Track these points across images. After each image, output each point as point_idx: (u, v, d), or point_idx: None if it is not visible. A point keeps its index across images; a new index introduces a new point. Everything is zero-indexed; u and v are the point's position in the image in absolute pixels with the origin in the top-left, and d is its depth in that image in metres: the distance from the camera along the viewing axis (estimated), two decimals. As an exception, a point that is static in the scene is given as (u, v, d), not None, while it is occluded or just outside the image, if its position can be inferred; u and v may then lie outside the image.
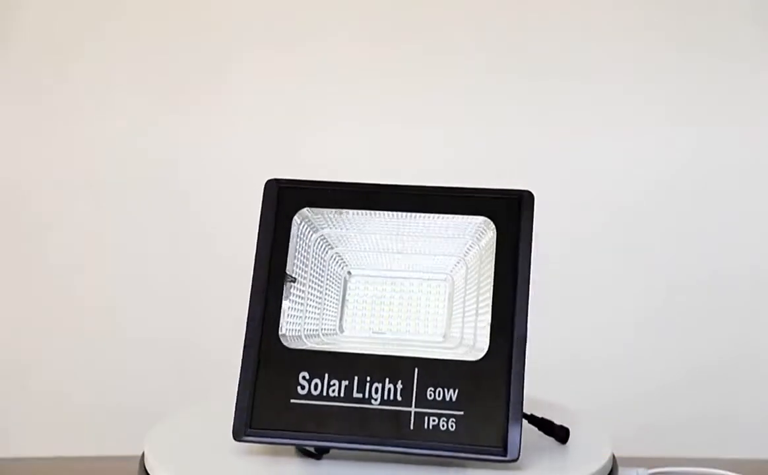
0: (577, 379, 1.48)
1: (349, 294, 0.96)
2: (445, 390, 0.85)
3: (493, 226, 0.89)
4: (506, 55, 1.47)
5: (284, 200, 0.93)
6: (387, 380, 0.86)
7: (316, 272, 0.95)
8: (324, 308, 0.96)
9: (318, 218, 0.94)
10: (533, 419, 0.94)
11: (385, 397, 0.86)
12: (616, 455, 0.93)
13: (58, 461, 1.39)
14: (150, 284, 1.49)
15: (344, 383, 0.87)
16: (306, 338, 0.93)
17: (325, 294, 0.96)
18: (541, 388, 1.47)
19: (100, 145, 1.48)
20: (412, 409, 0.85)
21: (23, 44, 1.47)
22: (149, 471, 0.89)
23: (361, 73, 1.48)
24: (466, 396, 0.84)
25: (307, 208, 0.93)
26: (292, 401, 0.87)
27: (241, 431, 0.87)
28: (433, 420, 0.84)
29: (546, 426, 0.93)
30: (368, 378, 0.87)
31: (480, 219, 0.89)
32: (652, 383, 1.48)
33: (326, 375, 0.87)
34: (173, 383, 1.47)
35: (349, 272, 0.96)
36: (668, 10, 1.47)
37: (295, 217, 0.93)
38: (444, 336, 0.93)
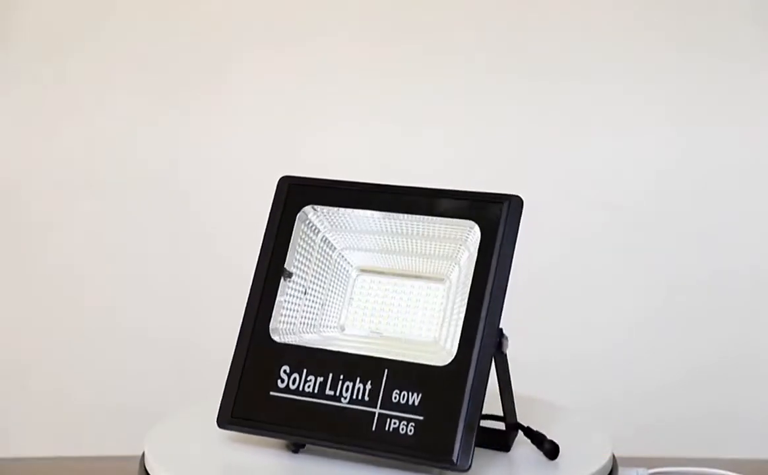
0: (577, 379, 1.48)
1: (354, 293, 0.96)
2: (409, 394, 0.84)
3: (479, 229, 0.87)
4: (506, 55, 1.47)
5: (292, 197, 0.94)
6: (358, 379, 0.86)
7: (321, 269, 0.95)
8: (326, 305, 0.96)
9: (327, 217, 0.94)
10: (529, 432, 0.92)
11: (354, 396, 0.86)
12: (616, 455, 0.93)
13: (58, 461, 1.39)
14: (150, 283, 1.49)
15: (319, 379, 0.87)
16: (302, 333, 0.94)
17: (329, 291, 0.96)
18: (542, 388, 1.47)
19: (100, 145, 1.48)
20: (377, 410, 0.85)
21: (23, 44, 1.47)
22: (149, 471, 0.89)
23: (361, 73, 1.48)
24: (428, 401, 0.83)
25: (318, 206, 0.93)
26: (271, 393, 0.88)
27: (224, 419, 0.90)
28: (394, 423, 0.84)
29: (537, 439, 0.91)
30: (341, 376, 0.87)
31: (469, 222, 0.88)
32: (652, 383, 1.48)
33: (305, 370, 0.88)
34: (173, 383, 1.47)
35: (356, 271, 0.96)
36: (668, 10, 1.47)
37: (302, 214, 0.93)
38: (435, 339, 0.92)
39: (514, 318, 1.48)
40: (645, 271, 1.48)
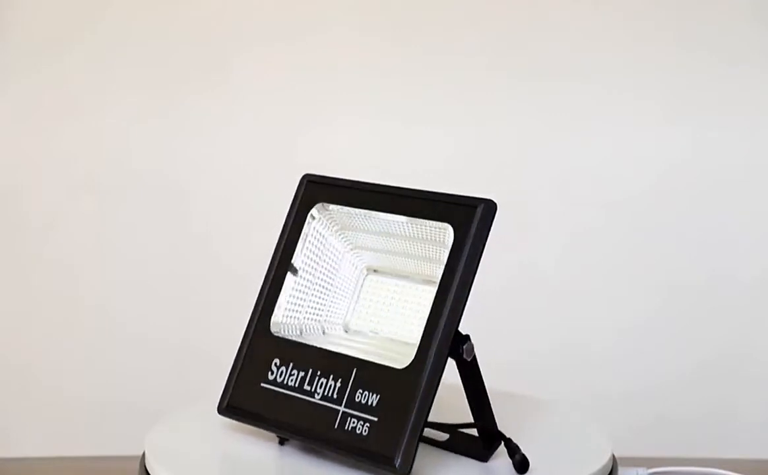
0: (577, 378, 1.48)
1: (362, 292, 0.96)
2: (370, 394, 0.84)
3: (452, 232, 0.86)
4: (506, 55, 1.47)
5: (307, 194, 0.95)
6: (331, 377, 0.87)
7: (330, 267, 0.95)
8: (334, 303, 0.96)
9: (337, 215, 0.95)
10: (508, 442, 0.89)
11: (325, 393, 0.87)
12: (616, 455, 0.93)
13: (58, 461, 1.39)
14: (150, 283, 1.49)
15: (301, 374, 0.89)
16: (304, 328, 0.94)
17: (337, 289, 0.96)
18: (541, 387, 1.47)
19: (100, 145, 1.48)
20: (341, 408, 0.85)
21: (21, 43, 1.47)
22: (149, 471, 0.89)
23: (361, 72, 1.48)
24: (384, 403, 0.83)
25: (329, 205, 0.94)
26: (261, 384, 0.90)
27: (221, 407, 0.92)
28: (353, 422, 0.84)
29: (510, 449, 0.88)
30: (318, 373, 0.88)
31: (445, 224, 0.87)
32: (652, 383, 1.48)
33: (291, 364, 0.90)
34: (173, 383, 1.47)
35: (364, 271, 0.96)
36: (668, 10, 1.47)
37: (314, 211, 0.94)
38: (417, 342, 0.92)
39: (514, 317, 1.49)
40: (645, 270, 1.48)
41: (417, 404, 0.81)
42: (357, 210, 0.93)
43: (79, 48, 1.47)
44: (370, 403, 0.84)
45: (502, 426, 0.93)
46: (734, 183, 1.48)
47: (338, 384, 0.86)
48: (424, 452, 0.88)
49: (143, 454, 0.91)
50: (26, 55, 1.47)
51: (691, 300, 1.48)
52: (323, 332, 0.95)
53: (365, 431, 0.83)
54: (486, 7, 1.47)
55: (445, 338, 0.83)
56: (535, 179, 1.48)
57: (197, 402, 1.03)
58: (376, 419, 0.83)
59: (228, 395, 0.92)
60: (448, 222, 0.86)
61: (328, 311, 0.96)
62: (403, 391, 0.82)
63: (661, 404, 1.49)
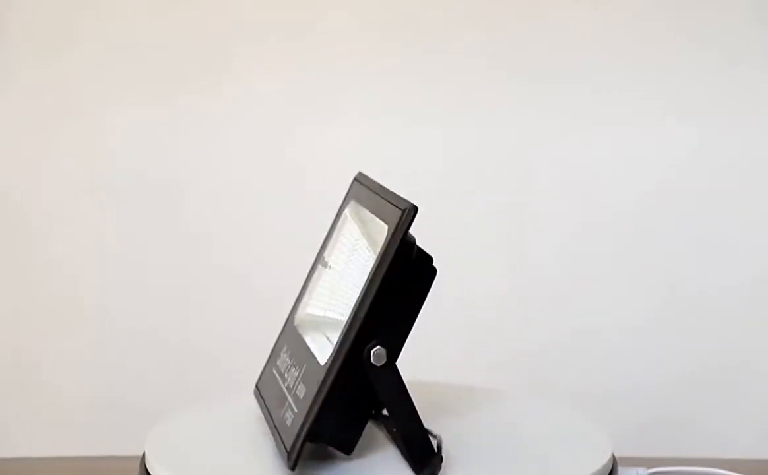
0: (576, 377, 1.48)
1: None
2: (301, 386, 0.85)
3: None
4: (506, 54, 1.47)
5: (350, 192, 0.97)
6: (298, 366, 0.89)
7: (356, 266, 0.95)
8: (351, 298, 0.96)
9: (365, 216, 0.94)
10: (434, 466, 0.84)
11: (289, 383, 0.89)
12: (616, 455, 0.93)
13: (58, 461, 1.39)
14: (150, 283, 1.49)
15: (289, 361, 0.91)
16: (324, 321, 0.95)
17: (357, 286, 0.96)
18: (541, 387, 1.47)
19: (100, 145, 1.48)
20: (289, 397, 0.87)
21: (22, 44, 1.47)
22: (149, 471, 0.89)
23: (360, 72, 1.48)
24: (304, 396, 0.84)
25: (356, 204, 0.95)
26: (273, 370, 0.94)
27: (254, 389, 0.97)
28: (287, 412, 0.85)
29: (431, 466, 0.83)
30: (293, 363, 0.90)
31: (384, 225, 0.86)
32: (652, 383, 1.48)
33: (289, 353, 0.92)
34: (173, 383, 1.47)
35: None
36: (668, 10, 1.47)
37: (347, 210, 0.95)
38: None
39: (514, 317, 1.49)
40: (645, 270, 1.48)
41: (311, 403, 0.81)
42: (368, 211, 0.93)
43: (79, 48, 1.47)
44: (299, 394, 0.85)
45: (501, 426, 0.93)
46: (735, 183, 1.48)
47: (296, 375, 0.88)
48: (388, 455, 0.88)
49: (143, 454, 0.91)
50: (26, 55, 1.47)
51: (692, 300, 1.48)
52: (334, 328, 0.95)
53: (289, 421, 0.84)
54: (486, 7, 1.47)
55: (347, 339, 0.81)
56: (535, 179, 1.48)
57: (197, 402, 1.03)
58: (296, 411, 0.84)
59: (258, 379, 0.97)
60: (386, 222, 0.85)
61: (349, 307, 0.96)
62: (312, 388, 0.83)
63: (661, 404, 1.48)
